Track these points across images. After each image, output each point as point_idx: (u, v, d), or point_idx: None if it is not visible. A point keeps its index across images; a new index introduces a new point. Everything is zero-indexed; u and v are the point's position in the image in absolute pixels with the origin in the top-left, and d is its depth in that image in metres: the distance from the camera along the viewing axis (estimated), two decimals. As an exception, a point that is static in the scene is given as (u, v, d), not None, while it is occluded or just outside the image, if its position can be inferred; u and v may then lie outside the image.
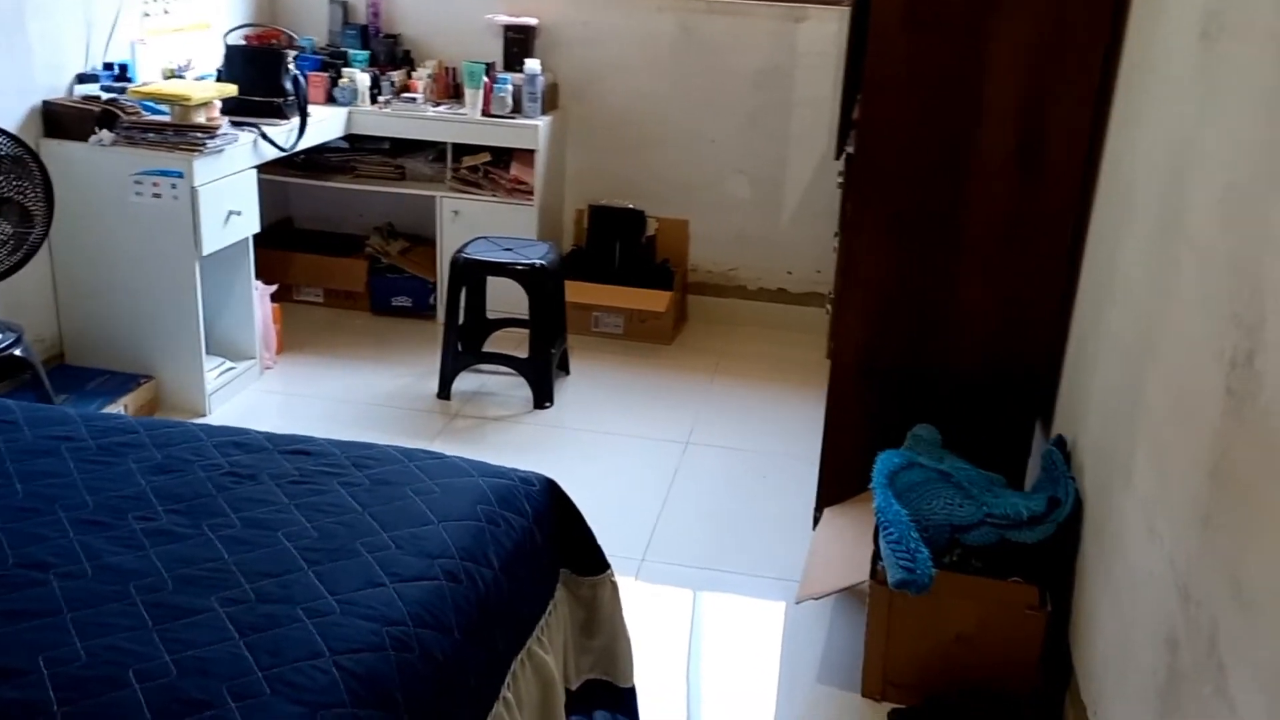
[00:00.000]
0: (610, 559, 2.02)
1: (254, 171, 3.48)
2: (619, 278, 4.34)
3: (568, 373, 3.89)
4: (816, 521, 2.75)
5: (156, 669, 1.32)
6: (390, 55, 4.38)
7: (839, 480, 2.73)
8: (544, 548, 1.86)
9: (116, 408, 3.19)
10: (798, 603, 2.46)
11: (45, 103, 3.26)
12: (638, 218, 4.40)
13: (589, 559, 1.97)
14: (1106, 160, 2.41)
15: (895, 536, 2.17)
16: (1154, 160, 2.01)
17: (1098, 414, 2.20)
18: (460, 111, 4.14)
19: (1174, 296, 1.77)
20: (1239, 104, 1.57)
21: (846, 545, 2.51)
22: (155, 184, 3.17)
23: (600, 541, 2.01)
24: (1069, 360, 2.54)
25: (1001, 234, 2.49)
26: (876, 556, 2.29)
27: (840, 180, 3.77)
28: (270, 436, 1.95)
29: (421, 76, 4.28)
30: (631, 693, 2.04)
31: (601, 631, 2.00)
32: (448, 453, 1.97)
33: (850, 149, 3.08)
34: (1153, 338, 1.86)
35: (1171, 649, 1.56)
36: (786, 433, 3.52)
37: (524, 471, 1.93)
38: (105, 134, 3.19)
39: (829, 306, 3.92)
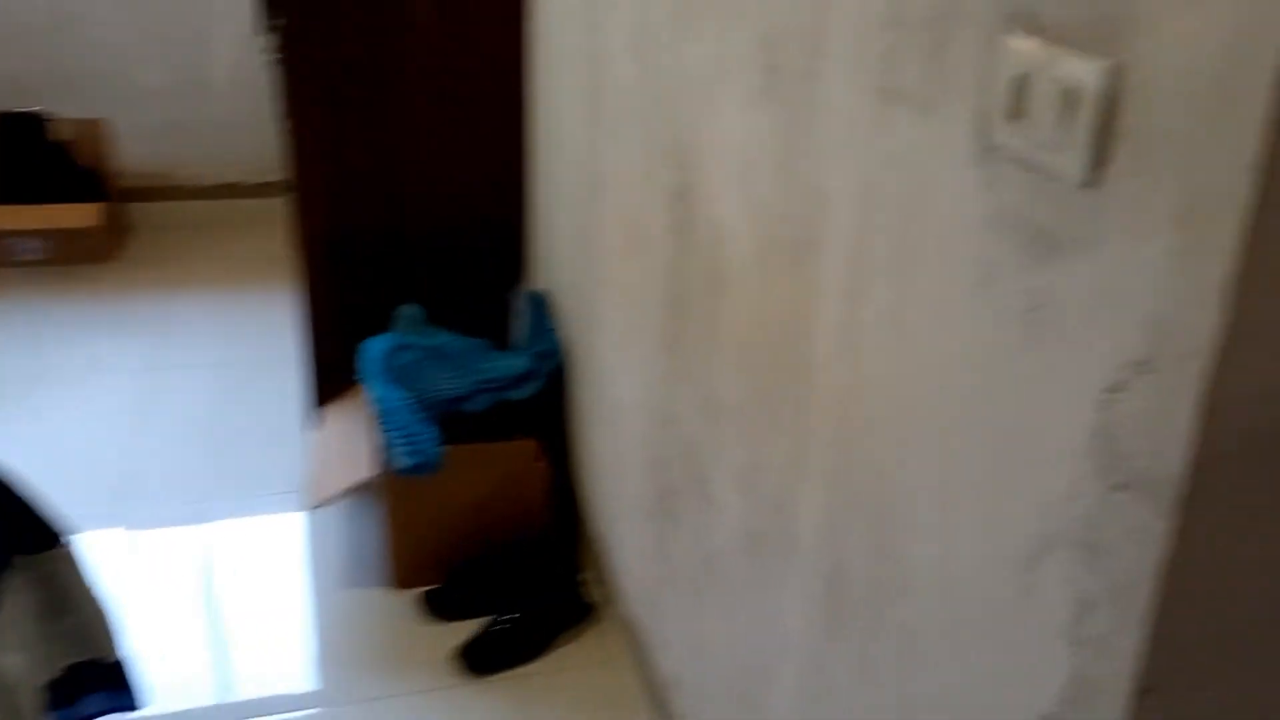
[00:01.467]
0: (81, 519, 1.75)
1: None
2: (32, 195, 3.71)
3: (-15, 316, 3.30)
4: (313, 425, 2.61)
5: None
6: None
7: (328, 377, 2.60)
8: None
9: None
10: (309, 511, 2.33)
11: None
12: (36, 121, 3.75)
13: (39, 535, 1.67)
14: (540, 9, 2.43)
15: (397, 423, 2.12)
16: (576, 6, 2.05)
17: (565, 264, 2.28)
18: None
19: (614, 140, 1.84)
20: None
21: (349, 442, 2.41)
22: None
23: (65, 504, 1.73)
24: (535, 216, 2.60)
25: (441, 94, 2.43)
26: (383, 447, 2.22)
27: (272, 56, 3.49)
28: None
29: None
30: (121, 665, 1.81)
31: (69, 610, 1.73)
32: None
33: (276, 21, 2.83)
34: (601, 183, 1.93)
35: (662, 469, 1.68)
36: (263, 338, 3.28)
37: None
38: None
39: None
